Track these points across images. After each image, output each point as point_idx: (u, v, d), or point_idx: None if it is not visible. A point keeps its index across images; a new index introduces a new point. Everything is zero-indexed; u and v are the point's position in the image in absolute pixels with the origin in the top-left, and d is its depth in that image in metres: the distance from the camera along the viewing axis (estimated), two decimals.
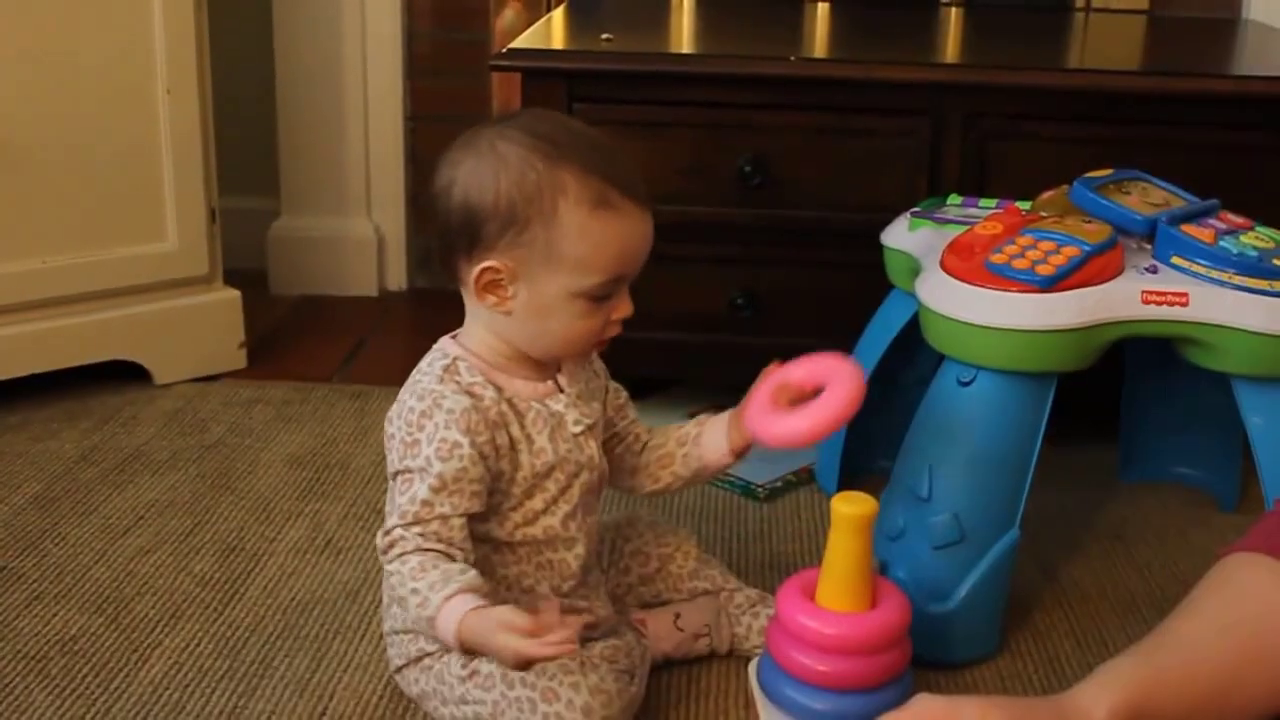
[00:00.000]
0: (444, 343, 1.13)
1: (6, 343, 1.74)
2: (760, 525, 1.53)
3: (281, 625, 1.31)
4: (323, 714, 1.17)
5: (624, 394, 1.23)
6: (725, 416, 1.20)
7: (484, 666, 1.10)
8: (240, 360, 1.95)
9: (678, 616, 1.24)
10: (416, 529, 1.05)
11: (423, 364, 1.12)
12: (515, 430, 1.10)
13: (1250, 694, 0.97)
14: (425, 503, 1.05)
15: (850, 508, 1.08)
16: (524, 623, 0.97)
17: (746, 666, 1.22)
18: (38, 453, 1.66)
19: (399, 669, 1.17)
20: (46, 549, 1.44)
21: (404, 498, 1.06)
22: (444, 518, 1.05)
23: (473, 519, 1.09)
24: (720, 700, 1.21)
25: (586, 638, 1.14)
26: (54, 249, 1.75)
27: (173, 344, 1.87)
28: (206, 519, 1.51)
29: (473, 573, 1.03)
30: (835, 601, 1.09)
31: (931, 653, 1.21)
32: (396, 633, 1.16)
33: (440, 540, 1.05)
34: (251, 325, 1.97)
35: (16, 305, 1.74)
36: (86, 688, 1.20)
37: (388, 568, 1.06)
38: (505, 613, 0.98)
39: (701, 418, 1.22)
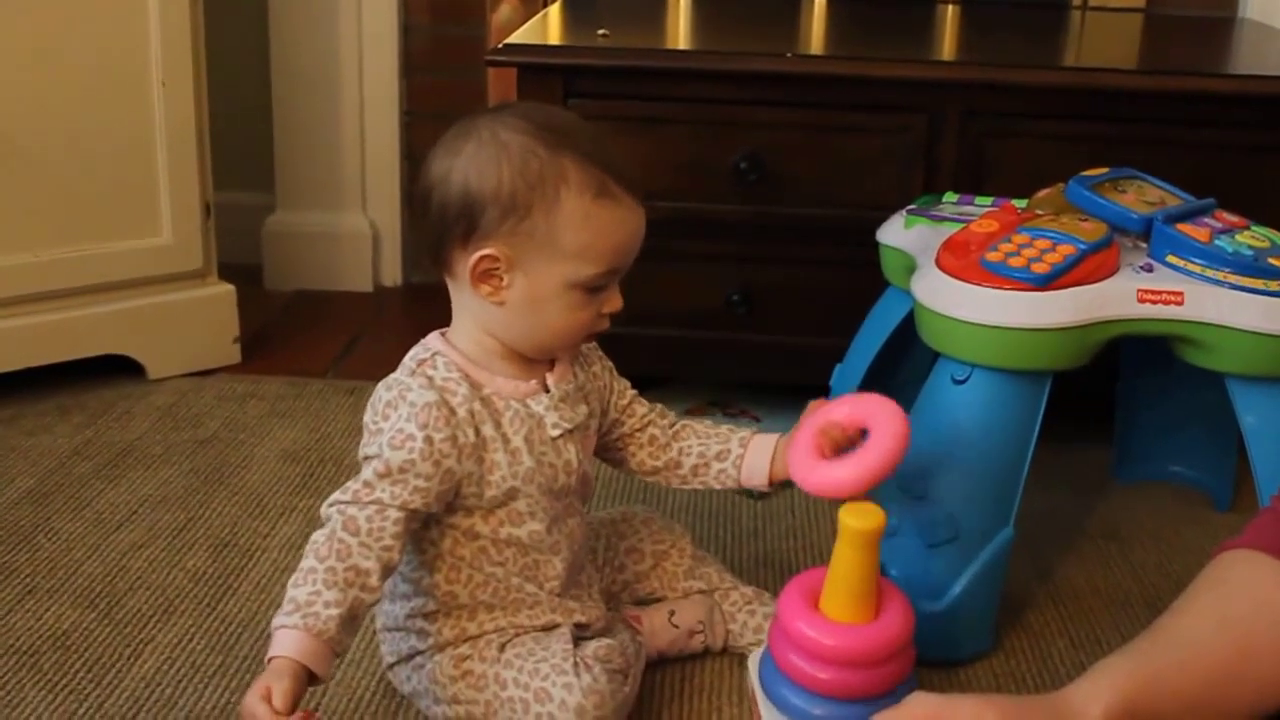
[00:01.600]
0: (430, 337, 1.13)
1: (0, 337, 1.73)
2: (755, 522, 1.52)
3: None
4: (315, 709, 1.17)
5: (630, 392, 1.22)
6: (770, 442, 1.20)
7: (476, 667, 1.10)
8: (234, 355, 1.95)
9: (672, 614, 1.24)
10: (352, 509, 1.04)
11: (405, 356, 1.12)
12: (488, 430, 1.08)
13: (1245, 691, 0.97)
14: (366, 484, 1.05)
15: (859, 521, 1.05)
16: (277, 701, 0.94)
17: (742, 663, 1.22)
18: (31, 447, 1.66)
19: (390, 665, 1.17)
20: (39, 544, 1.43)
21: (355, 479, 1.06)
22: (380, 504, 1.04)
23: (455, 513, 1.09)
24: (714, 698, 1.21)
25: (579, 636, 1.14)
26: (47, 243, 1.75)
27: (167, 339, 1.87)
28: (200, 514, 1.51)
29: (335, 612, 1.00)
30: (839, 612, 1.08)
31: (925, 651, 1.20)
32: (388, 629, 1.16)
33: (364, 532, 1.03)
34: (246, 320, 1.97)
35: (10, 299, 1.73)
36: (79, 683, 1.20)
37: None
38: (276, 682, 0.95)
39: (744, 435, 1.21)
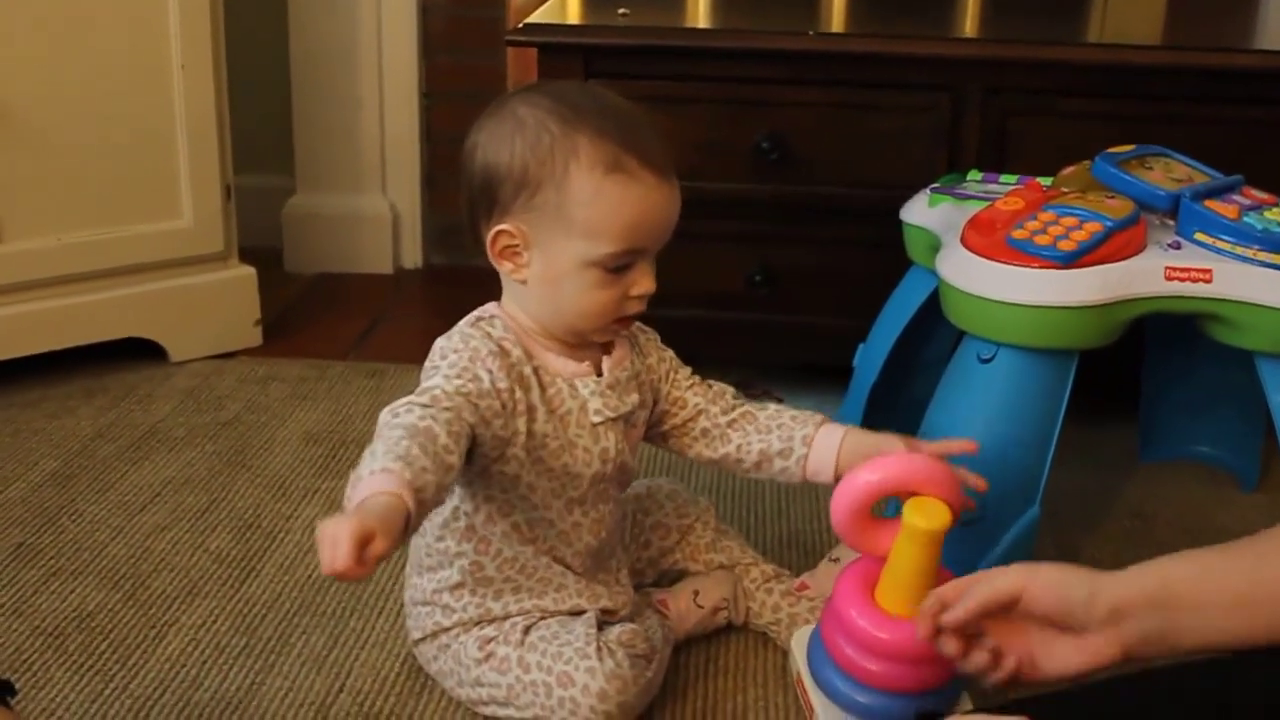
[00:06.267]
0: (488, 305, 1.12)
1: (23, 320, 1.74)
2: (778, 503, 1.52)
3: (298, 602, 1.31)
4: (340, 690, 1.17)
5: (687, 382, 1.19)
6: (835, 438, 1.14)
7: (500, 649, 1.10)
8: (256, 337, 1.95)
9: (696, 594, 1.24)
10: (429, 410, 0.97)
11: (461, 321, 1.11)
12: (533, 396, 1.07)
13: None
14: (434, 397, 0.99)
15: (925, 521, 1.03)
16: (345, 537, 0.83)
17: (765, 641, 1.22)
18: (55, 430, 1.66)
19: (417, 641, 1.17)
20: (64, 525, 1.44)
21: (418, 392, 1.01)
22: (455, 411, 0.98)
23: (490, 485, 1.08)
24: (739, 678, 1.20)
25: (605, 621, 1.13)
26: (69, 226, 1.75)
27: (188, 321, 1.87)
28: (223, 496, 1.51)
29: (431, 479, 0.92)
30: (895, 605, 1.06)
31: None
32: (415, 604, 1.16)
33: (444, 434, 0.96)
34: (267, 303, 1.97)
35: (32, 283, 1.74)
36: (104, 664, 1.20)
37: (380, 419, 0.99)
38: (358, 522, 0.84)
39: (807, 432, 1.15)
